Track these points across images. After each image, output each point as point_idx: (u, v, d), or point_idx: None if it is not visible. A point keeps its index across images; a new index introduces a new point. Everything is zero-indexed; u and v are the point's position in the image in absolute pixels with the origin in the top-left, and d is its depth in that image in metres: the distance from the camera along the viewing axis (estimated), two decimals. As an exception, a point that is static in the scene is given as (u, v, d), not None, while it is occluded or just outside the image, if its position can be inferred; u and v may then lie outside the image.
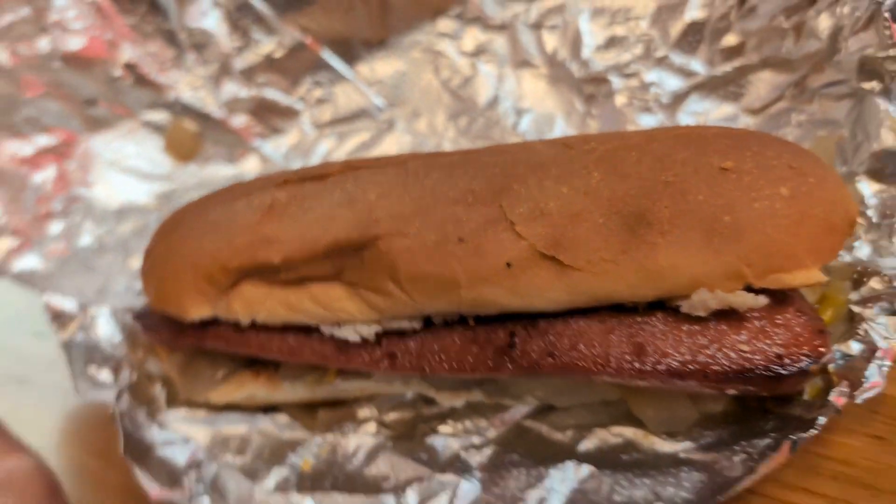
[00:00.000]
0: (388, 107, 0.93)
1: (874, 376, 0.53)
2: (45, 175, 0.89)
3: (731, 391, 0.54)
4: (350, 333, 0.60)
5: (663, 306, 0.54)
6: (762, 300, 0.51)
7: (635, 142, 0.58)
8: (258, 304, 0.63)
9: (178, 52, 0.92)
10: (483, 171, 0.60)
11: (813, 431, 0.51)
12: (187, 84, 0.93)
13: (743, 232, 0.51)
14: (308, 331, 0.63)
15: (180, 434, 0.68)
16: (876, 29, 0.66)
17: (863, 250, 0.65)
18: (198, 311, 0.64)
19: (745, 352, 0.52)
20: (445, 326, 0.59)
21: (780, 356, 0.51)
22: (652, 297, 0.53)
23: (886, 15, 0.66)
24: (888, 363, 0.54)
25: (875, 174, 0.67)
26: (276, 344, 0.63)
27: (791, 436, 0.51)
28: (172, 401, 0.71)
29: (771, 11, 0.74)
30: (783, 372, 0.51)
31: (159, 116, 0.94)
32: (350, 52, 0.92)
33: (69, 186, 0.90)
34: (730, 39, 0.77)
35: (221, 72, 0.93)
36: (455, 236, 0.56)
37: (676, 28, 0.80)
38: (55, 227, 0.87)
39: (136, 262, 0.84)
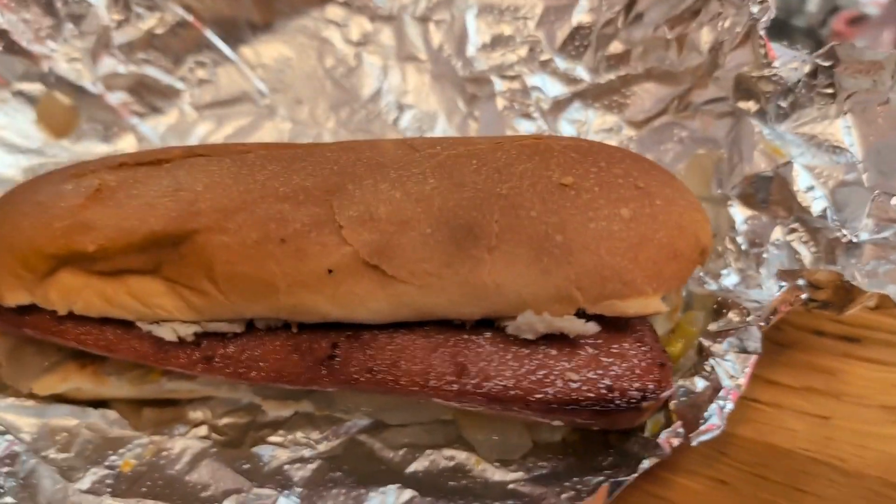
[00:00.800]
0: (270, 92, 0.88)
1: (713, 417, 0.50)
2: None
3: (557, 422, 0.51)
4: (167, 332, 0.56)
5: (492, 325, 0.51)
6: (592, 327, 0.49)
7: (480, 149, 0.55)
8: (75, 293, 0.58)
9: (55, 21, 0.87)
10: (321, 167, 0.56)
11: (633, 476, 0.48)
12: (63, 55, 0.87)
13: (574, 253, 0.49)
14: (127, 325, 0.58)
15: (1, 423, 0.63)
16: (752, 46, 0.64)
17: (730, 278, 0.62)
18: (13, 296, 0.59)
19: (572, 381, 0.49)
20: (269, 332, 0.55)
21: (610, 388, 0.48)
22: (478, 316, 0.51)
23: (762, 33, 0.63)
24: (731, 405, 0.51)
25: (746, 199, 0.64)
26: (94, 338, 0.58)
27: (613, 479, 0.48)
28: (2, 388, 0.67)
29: (656, 21, 0.71)
30: (611, 406, 0.48)
31: (32, 87, 0.88)
32: (235, 33, 0.88)
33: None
34: (615, 47, 0.74)
35: (100, 45, 0.87)
36: (277, 236, 0.52)
37: (563, 31, 0.77)
38: None
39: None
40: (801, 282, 0.58)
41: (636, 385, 0.48)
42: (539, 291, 0.49)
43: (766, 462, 0.56)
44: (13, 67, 0.87)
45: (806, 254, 0.60)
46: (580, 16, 0.75)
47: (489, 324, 0.51)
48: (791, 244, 0.61)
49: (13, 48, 0.86)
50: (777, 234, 0.62)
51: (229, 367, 0.55)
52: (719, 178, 0.67)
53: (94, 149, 0.89)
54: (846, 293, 0.57)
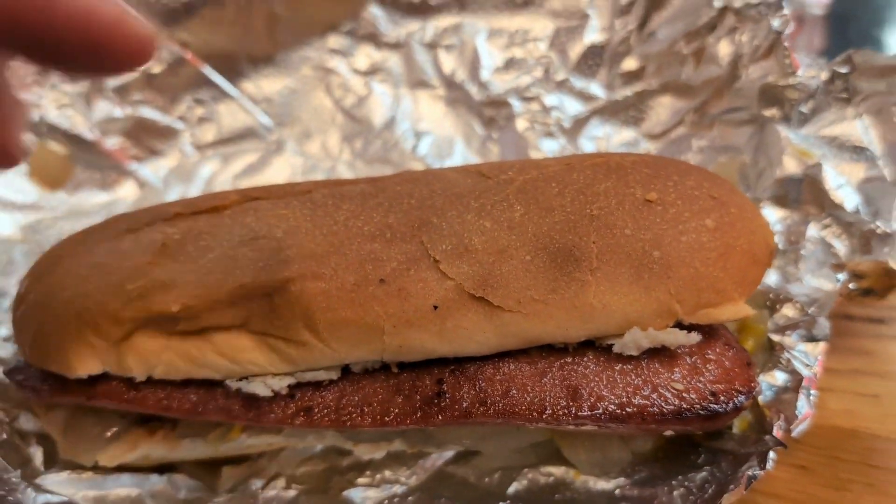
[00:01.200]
0: (276, 126, 0.88)
1: (805, 407, 0.54)
2: None
3: (669, 432, 0.53)
4: (260, 388, 0.54)
5: (593, 345, 0.53)
6: (695, 337, 0.51)
7: (553, 171, 0.56)
8: (155, 357, 0.55)
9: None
10: (398, 202, 0.56)
11: (768, 467, 0.51)
12: (53, 102, 0.85)
13: (672, 267, 0.51)
14: (212, 384, 0.57)
15: (61, 498, 0.60)
16: (776, 57, 0.68)
17: (771, 277, 0.66)
18: (85, 367, 0.56)
19: (680, 391, 0.51)
20: (366, 374, 0.55)
21: (714, 394, 0.51)
22: (584, 337, 0.52)
23: (786, 44, 0.67)
24: (815, 392, 0.55)
25: (779, 200, 0.68)
26: (177, 402, 0.56)
27: (749, 473, 0.50)
28: (52, 462, 0.63)
29: (671, 36, 0.74)
30: (720, 409, 0.51)
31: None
32: (234, 68, 0.87)
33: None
34: (630, 63, 0.78)
35: (93, 89, 0.85)
36: (376, 277, 0.52)
37: (576, 51, 0.79)
38: None
39: (2, 303, 0.76)
40: (845, 274, 0.62)
41: (736, 387, 0.51)
42: (643, 308, 0.50)
43: (837, 444, 0.60)
44: (-4, 118, 0.84)
45: (841, 247, 0.64)
46: (592, 35, 0.79)
47: (589, 343, 0.53)
48: (825, 239, 0.65)
49: (-3, 97, 0.83)
50: (812, 230, 0.66)
51: (330, 416, 0.54)
52: (746, 183, 0.71)
53: (93, 198, 0.86)
54: (889, 280, 0.61)
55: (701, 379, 0.51)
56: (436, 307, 0.51)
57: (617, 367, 0.52)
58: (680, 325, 0.52)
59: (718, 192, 0.55)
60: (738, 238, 0.53)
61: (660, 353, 0.52)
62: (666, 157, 0.60)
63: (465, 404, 0.52)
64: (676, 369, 0.51)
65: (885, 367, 0.66)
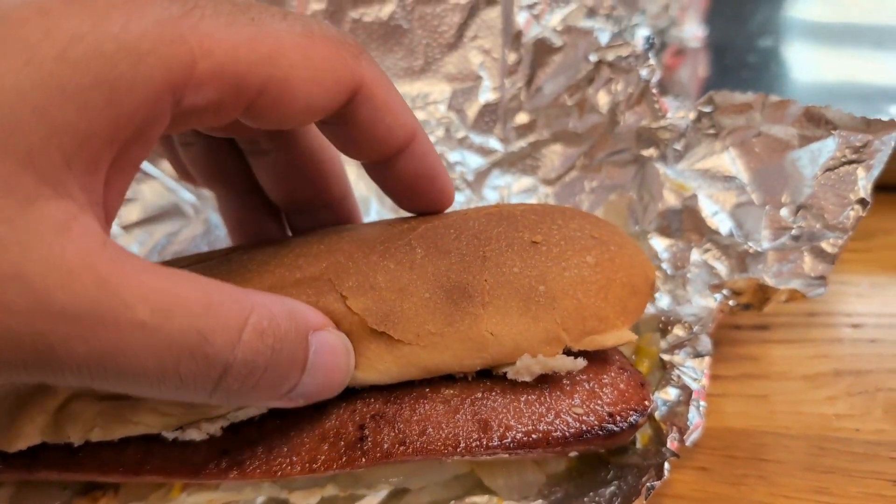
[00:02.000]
0: (201, 201, 0.92)
1: (695, 418, 0.60)
2: None
3: (573, 453, 0.58)
4: (195, 433, 0.58)
5: (491, 374, 0.58)
6: (581, 362, 0.55)
7: (452, 220, 0.61)
8: (90, 421, 0.58)
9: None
10: (307, 248, 0.60)
11: (665, 477, 0.56)
12: None
13: (557, 299, 0.56)
14: (148, 441, 0.60)
15: None
16: (647, 103, 0.75)
17: (663, 301, 0.72)
18: (25, 440, 0.58)
19: (580, 414, 0.56)
20: (291, 421, 0.59)
21: (611, 414, 0.56)
22: (479, 366, 0.56)
23: (654, 91, 0.75)
24: (703, 403, 0.61)
25: (664, 231, 0.75)
26: (115, 465, 0.60)
27: (647, 484, 0.56)
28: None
29: (555, 91, 0.81)
30: (616, 429, 0.56)
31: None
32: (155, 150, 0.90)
33: None
34: (521, 118, 0.84)
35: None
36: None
37: (472, 110, 0.86)
38: None
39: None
40: (725, 291, 0.69)
41: (631, 406, 0.57)
42: (531, 336, 0.55)
43: (732, 443, 0.66)
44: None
45: (721, 268, 0.71)
46: (486, 95, 0.85)
47: (487, 373, 0.58)
48: (707, 262, 0.72)
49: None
50: (695, 255, 0.72)
51: (261, 468, 0.57)
52: (634, 217, 0.78)
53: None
54: (763, 293, 0.68)
55: (599, 402, 0.57)
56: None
57: (522, 398, 0.57)
58: (570, 353, 0.57)
59: (599, 233, 0.61)
60: (618, 272, 0.59)
61: (560, 382, 0.57)
62: (554, 206, 0.66)
63: (385, 446, 0.56)
64: (576, 395, 0.57)
65: (771, 368, 0.73)
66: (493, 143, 0.86)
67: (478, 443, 0.55)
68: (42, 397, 0.58)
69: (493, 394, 0.57)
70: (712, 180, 0.73)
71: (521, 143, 0.84)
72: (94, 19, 0.37)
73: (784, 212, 0.68)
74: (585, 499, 0.59)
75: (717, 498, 0.62)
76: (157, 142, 0.44)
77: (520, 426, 0.56)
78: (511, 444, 0.55)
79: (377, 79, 0.53)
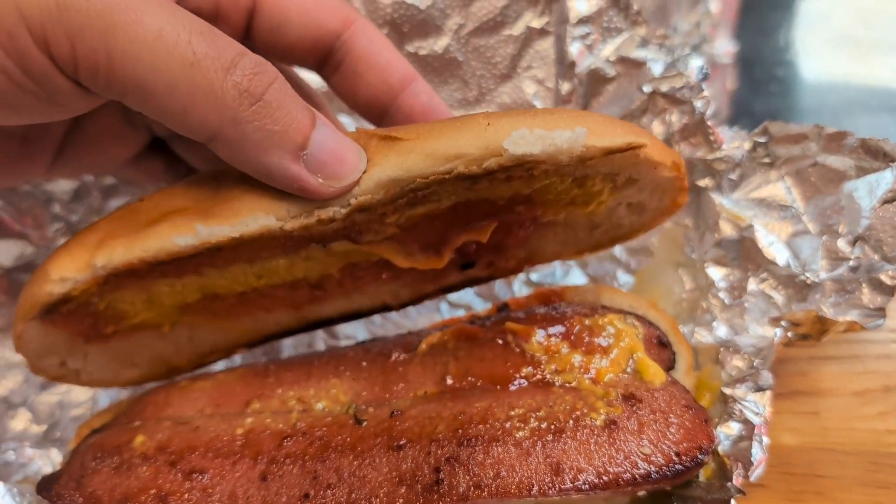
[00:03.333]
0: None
1: (758, 454, 0.61)
2: None
3: (642, 492, 0.60)
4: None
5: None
6: (580, 132, 0.57)
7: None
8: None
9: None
10: None
11: None
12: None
13: (556, 111, 0.59)
14: (234, 489, 0.61)
15: None
16: (702, 134, 0.76)
17: (721, 330, 0.74)
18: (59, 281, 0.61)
19: (648, 455, 0.58)
20: (369, 466, 0.61)
21: (678, 454, 0.58)
22: (476, 147, 0.56)
23: (710, 122, 0.76)
24: (766, 439, 0.63)
25: (720, 260, 0.76)
26: None
27: None
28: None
29: (610, 120, 0.83)
30: (682, 468, 0.58)
31: None
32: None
33: None
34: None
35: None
36: None
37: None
38: None
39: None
40: (783, 323, 0.70)
41: (697, 445, 0.59)
42: (530, 122, 0.57)
43: (787, 461, 0.69)
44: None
45: (779, 297, 0.72)
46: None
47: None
48: (765, 291, 0.73)
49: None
50: (752, 285, 0.74)
51: None
52: (690, 245, 0.79)
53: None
54: (821, 325, 0.69)
55: (666, 442, 0.59)
56: None
57: (592, 441, 0.59)
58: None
59: None
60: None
61: (628, 424, 0.59)
62: None
63: (461, 489, 0.58)
64: (644, 436, 0.59)
65: (821, 385, 0.75)
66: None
67: (550, 485, 0.57)
68: None
69: (564, 436, 0.59)
70: (768, 209, 0.74)
71: (576, 173, 0.86)
72: None
73: (841, 242, 0.69)
74: (651, 532, 0.61)
75: (780, 513, 0.64)
76: None
77: (591, 468, 0.58)
78: (583, 486, 0.57)
79: (368, 22, 0.58)
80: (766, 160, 0.74)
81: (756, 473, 0.61)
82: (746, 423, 0.64)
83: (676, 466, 0.58)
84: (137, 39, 0.45)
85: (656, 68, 0.79)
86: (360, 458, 0.62)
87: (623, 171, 0.61)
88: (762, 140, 0.74)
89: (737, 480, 0.60)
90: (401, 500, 0.59)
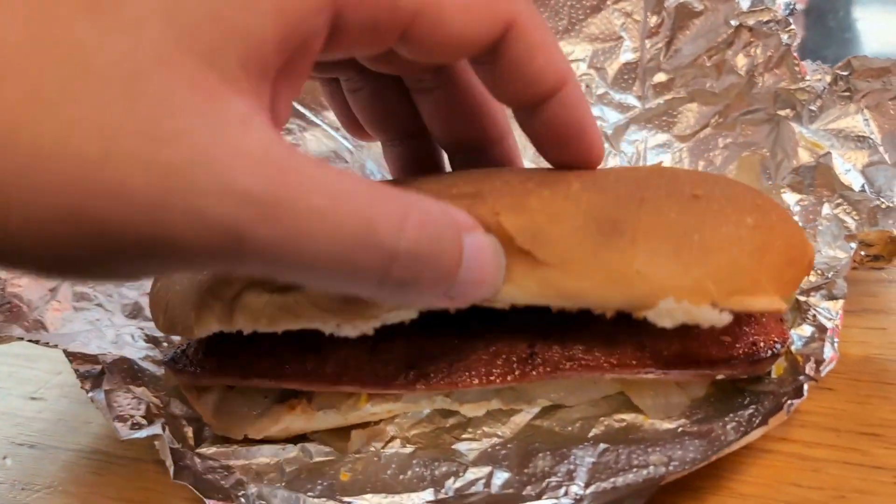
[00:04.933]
0: (356, 149, 1.00)
1: (830, 352, 0.66)
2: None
3: (719, 376, 0.65)
4: (349, 330, 0.60)
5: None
6: (726, 317, 0.55)
7: (614, 170, 0.66)
8: (258, 312, 0.62)
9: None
10: (469, 174, 0.65)
11: (803, 397, 0.62)
12: None
13: (710, 251, 0.56)
14: (345, 357, 0.68)
15: (220, 463, 0.72)
16: (787, 66, 0.80)
17: (794, 251, 0.78)
18: (204, 327, 0.64)
19: (728, 342, 0.63)
20: (467, 342, 0.66)
21: (755, 343, 0.63)
22: (618, 303, 0.56)
23: (795, 54, 0.80)
24: (836, 339, 0.67)
25: (796, 186, 0.80)
26: (316, 375, 0.67)
27: (788, 402, 0.62)
28: (200, 440, 0.75)
29: (695, 52, 0.87)
30: (760, 355, 0.63)
31: None
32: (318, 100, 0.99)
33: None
34: (660, 77, 0.90)
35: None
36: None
37: (613, 69, 0.92)
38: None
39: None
40: (856, 242, 0.74)
41: (773, 337, 0.63)
42: (678, 282, 0.55)
43: (854, 368, 0.73)
44: None
45: (851, 222, 0.76)
46: (626, 55, 0.91)
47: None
48: (838, 216, 0.77)
49: None
50: (826, 209, 0.78)
51: (444, 380, 0.66)
52: (767, 173, 0.83)
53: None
54: (893, 245, 0.74)
55: (744, 332, 0.63)
56: None
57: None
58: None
59: (762, 202, 0.62)
60: (777, 239, 0.59)
61: None
62: (717, 174, 0.69)
63: (554, 361, 0.64)
64: (725, 328, 0.63)
65: (889, 305, 0.80)
66: (632, 100, 0.92)
67: (638, 360, 0.62)
68: (219, 287, 0.64)
69: (647, 322, 0.60)
70: (845, 140, 0.78)
71: (659, 101, 0.90)
72: None
73: (916, 171, 0.73)
74: (726, 419, 0.66)
75: (845, 414, 0.69)
76: (317, 54, 0.47)
77: (673, 348, 0.63)
78: (665, 363, 0.62)
79: (532, 18, 0.53)
80: (846, 93, 0.78)
81: (827, 369, 0.65)
82: (819, 326, 0.69)
83: (754, 353, 0.62)
84: (299, 268, 0.44)
85: (744, 2, 0.83)
86: (459, 338, 0.67)
87: None
88: (844, 73, 0.78)
89: (810, 371, 0.65)
90: (497, 371, 0.65)
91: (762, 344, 0.63)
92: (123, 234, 0.37)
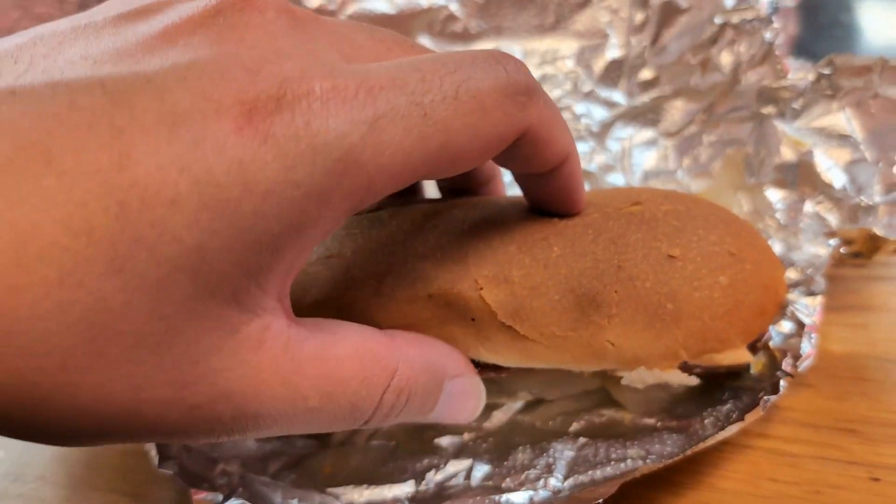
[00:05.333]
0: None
1: (807, 348, 0.66)
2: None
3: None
4: None
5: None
6: (694, 380, 0.61)
7: (591, 220, 0.63)
8: None
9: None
10: (452, 226, 0.63)
11: (780, 392, 0.63)
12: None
13: (683, 319, 0.58)
14: None
15: (204, 456, 0.70)
16: (770, 64, 0.81)
17: (776, 247, 0.79)
18: None
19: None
20: None
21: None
22: (595, 369, 0.60)
23: (777, 52, 0.80)
24: (815, 335, 0.68)
25: (779, 183, 0.81)
26: None
27: (764, 398, 0.62)
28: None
29: (680, 49, 0.87)
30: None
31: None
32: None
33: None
34: (646, 74, 0.90)
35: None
36: (425, 293, 0.60)
37: (599, 65, 0.92)
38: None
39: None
40: (837, 240, 0.75)
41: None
42: (651, 351, 0.58)
43: (834, 365, 0.73)
44: None
45: (832, 219, 0.77)
46: (612, 52, 0.92)
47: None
48: (819, 213, 0.78)
49: None
50: (808, 207, 0.78)
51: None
52: (750, 169, 0.84)
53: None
54: (873, 243, 0.74)
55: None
56: (473, 319, 0.60)
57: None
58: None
59: (738, 248, 0.62)
60: (749, 294, 0.60)
61: None
62: (700, 204, 0.66)
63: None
64: None
65: (870, 301, 0.80)
66: (618, 96, 0.92)
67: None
68: None
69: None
70: (828, 138, 0.79)
71: (644, 98, 0.91)
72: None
73: (897, 169, 0.74)
74: (704, 413, 0.67)
75: (824, 411, 0.69)
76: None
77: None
78: None
79: (544, 119, 0.53)
80: (829, 91, 0.79)
81: (804, 365, 0.66)
82: (798, 322, 0.69)
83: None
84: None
85: (728, 1, 0.84)
86: None
87: None
88: (826, 72, 0.78)
89: (787, 368, 0.65)
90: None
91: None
92: None
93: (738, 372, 0.70)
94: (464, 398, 0.58)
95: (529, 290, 0.59)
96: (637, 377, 0.60)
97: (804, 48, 0.93)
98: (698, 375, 0.63)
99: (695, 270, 0.59)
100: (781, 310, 0.66)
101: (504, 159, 0.57)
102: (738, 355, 0.60)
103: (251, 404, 0.44)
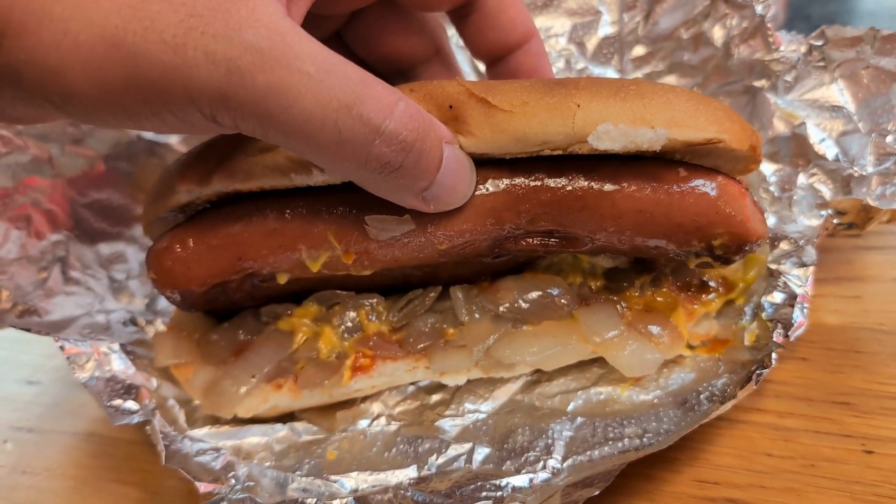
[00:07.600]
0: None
1: (799, 317, 0.67)
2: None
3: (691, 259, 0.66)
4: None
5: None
6: (661, 133, 0.59)
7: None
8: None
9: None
10: None
11: (772, 366, 0.64)
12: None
13: (646, 95, 0.61)
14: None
15: (210, 445, 0.74)
16: (761, 37, 0.81)
17: (770, 220, 0.79)
18: (184, 187, 0.69)
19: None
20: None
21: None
22: (562, 136, 0.61)
23: (769, 25, 0.80)
24: (807, 305, 0.68)
25: (772, 156, 0.81)
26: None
27: (756, 372, 0.63)
28: (192, 421, 0.77)
29: (672, 25, 0.87)
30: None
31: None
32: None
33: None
34: (638, 50, 0.90)
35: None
36: (407, 88, 0.65)
37: (592, 43, 0.92)
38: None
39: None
40: (829, 211, 0.75)
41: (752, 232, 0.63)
42: (617, 111, 0.60)
43: (829, 337, 0.74)
44: None
45: (826, 190, 0.77)
46: (605, 29, 0.92)
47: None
48: (813, 185, 0.78)
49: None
50: (801, 179, 0.79)
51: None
52: (744, 143, 0.84)
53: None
54: (866, 213, 0.74)
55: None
56: (451, 106, 0.63)
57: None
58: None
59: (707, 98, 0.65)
60: (715, 105, 0.63)
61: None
62: None
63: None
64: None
65: (863, 272, 0.81)
66: (611, 73, 0.92)
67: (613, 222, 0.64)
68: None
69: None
70: (820, 110, 0.79)
71: (638, 75, 0.91)
72: None
73: (890, 139, 0.74)
74: (700, 388, 0.68)
75: (818, 384, 0.70)
76: None
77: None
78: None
79: None
80: (821, 63, 0.79)
81: (796, 334, 0.67)
82: (790, 293, 0.70)
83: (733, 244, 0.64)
84: (289, 124, 0.51)
85: (719, -26, 0.83)
86: None
87: (702, 158, 0.65)
88: (818, 43, 0.78)
89: (778, 339, 0.66)
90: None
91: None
92: (151, 64, 0.48)
93: (733, 347, 0.71)
94: (460, 165, 0.61)
95: (502, 80, 0.65)
96: (604, 133, 0.59)
97: (799, 9, 0.92)
98: (696, 254, 0.64)
99: (660, 85, 0.64)
100: (754, 152, 0.66)
101: (474, 21, 0.69)
102: (707, 134, 0.60)
103: (247, 34, 0.49)
